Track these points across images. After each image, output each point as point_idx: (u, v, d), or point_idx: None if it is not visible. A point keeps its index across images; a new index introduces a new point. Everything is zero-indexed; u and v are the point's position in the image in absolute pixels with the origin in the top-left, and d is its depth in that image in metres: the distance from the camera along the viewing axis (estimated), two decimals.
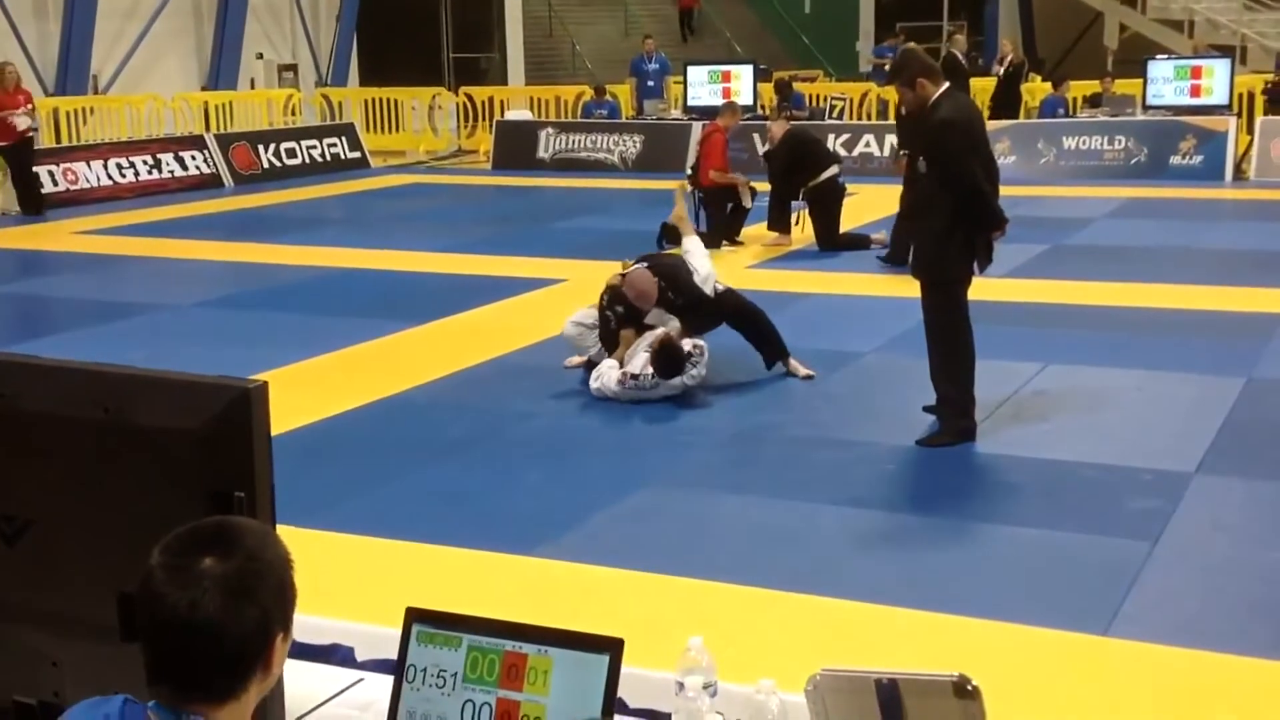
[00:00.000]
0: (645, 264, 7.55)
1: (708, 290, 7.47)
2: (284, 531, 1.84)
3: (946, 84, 6.39)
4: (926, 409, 6.60)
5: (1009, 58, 19.01)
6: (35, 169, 16.29)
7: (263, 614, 1.67)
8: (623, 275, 7.45)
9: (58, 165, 16.59)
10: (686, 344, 7.09)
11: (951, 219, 6.23)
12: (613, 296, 7.44)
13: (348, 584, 4.63)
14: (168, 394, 2.17)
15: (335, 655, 2.39)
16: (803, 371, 7.49)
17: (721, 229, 12.22)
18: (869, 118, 20.16)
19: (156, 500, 2.09)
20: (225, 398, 2.09)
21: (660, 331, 7.20)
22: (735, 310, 7.55)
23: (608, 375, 7.10)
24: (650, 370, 6.98)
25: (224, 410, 2.07)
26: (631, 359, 7.15)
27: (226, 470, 2.05)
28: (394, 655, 2.14)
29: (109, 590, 2.08)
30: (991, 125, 17.72)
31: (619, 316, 7.39)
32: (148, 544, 1.96)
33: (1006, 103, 18.54)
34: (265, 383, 2.10)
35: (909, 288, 10.05)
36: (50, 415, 2.20)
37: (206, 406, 2.09)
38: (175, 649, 1.64)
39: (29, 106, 15.34)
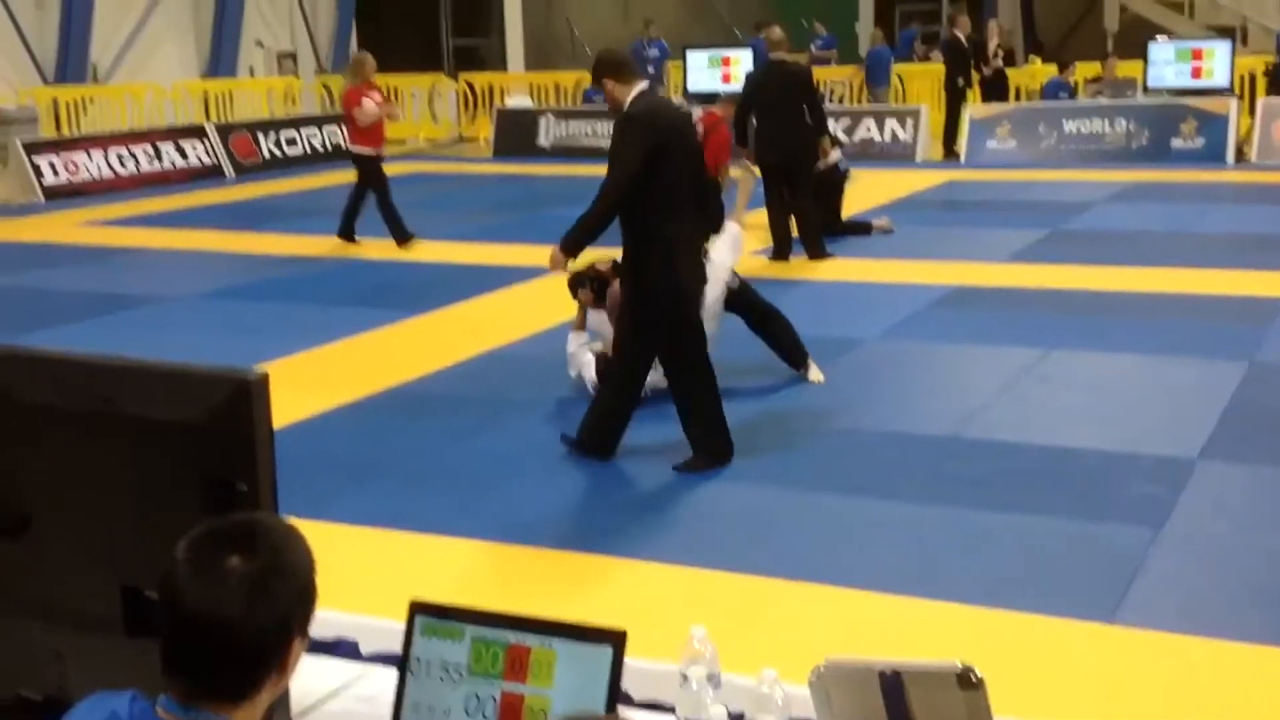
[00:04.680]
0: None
1: (716, 289, 7.13)
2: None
3: (642, 83, 5.94)
4: (566, 440, 6.18)
5: (998, 41, 18.92)
6: (35, 160, 16.27)
7: (283, 616, 1.66)
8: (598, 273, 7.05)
9: (58, 156, 16.57)
10: None
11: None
12: (582, 275, 7.16)
13: (350, 576, 4.61)
14: (167, 385, 2.16)
15: (340, 649, 2.38)
16: (814, 375, 7.28)
17: (718, 217, 12.13)
18: (867, 101, 20.12)
19: (159, 492, 2.09)
20: (225, 388, 2.08)
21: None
22: (747, 306, 7.27)
23: (585, 364, 6.97)
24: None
25: (224, 401, 2.06)
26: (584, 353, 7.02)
27: (228, 462, 2.05)
28: (398, 648, 2.14)
29: (113, 583, 2.08)
30: (991, 109, 17.84)
31: (590, 289, 7.11)
32: (150, 537, 1.96)
33: (999, 86, 18.55)
34: (265, 373, 2.09)
35: (911, 273, 10.09)
36: (50, 407, 2.20)
37: (207, 397, 2.08)
38: (194, 645, 1.64)
39: (376, 97, 11.96)
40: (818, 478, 5.83)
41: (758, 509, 5.54)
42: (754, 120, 11.03)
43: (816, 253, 10.82)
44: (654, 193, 5.68)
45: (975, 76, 18.17)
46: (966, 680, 1.70)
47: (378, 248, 11.91)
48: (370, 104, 11.73)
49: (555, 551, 5.09)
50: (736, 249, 7.37)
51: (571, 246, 5.88)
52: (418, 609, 2.13)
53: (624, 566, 4.93)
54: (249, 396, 2.05)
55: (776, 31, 11.96)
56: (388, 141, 12.46)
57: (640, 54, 21.12)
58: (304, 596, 1.70)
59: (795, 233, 10.92)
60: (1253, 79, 17.86)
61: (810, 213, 10.93)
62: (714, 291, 7.06)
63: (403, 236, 11.88)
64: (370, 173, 11.87)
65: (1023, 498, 5.56)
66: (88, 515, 2.17)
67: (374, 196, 11.87)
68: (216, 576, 1.63)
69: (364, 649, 2.38)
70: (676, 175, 5.74)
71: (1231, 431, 6.23)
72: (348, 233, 12.08)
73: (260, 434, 2.06)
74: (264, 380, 2.07)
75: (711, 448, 5.99)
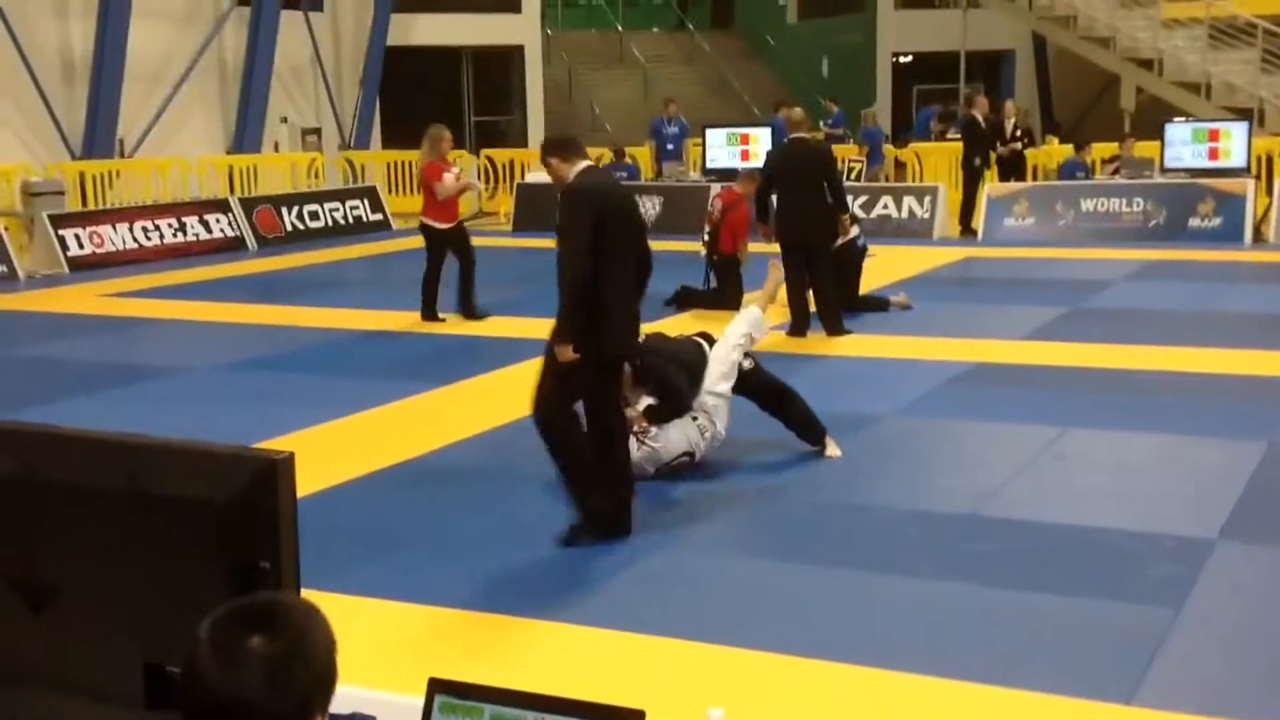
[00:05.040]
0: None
1: (727, 356, 7.22)
2: (304, 595, 1.86)
3: (586, 162, 6.12)
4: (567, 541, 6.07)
5: (1014, 121, 19.07)
6: (61, 232, 16.48)
7: (303, 699, 1.68)
8: None
9: (84, 228, 16.78)
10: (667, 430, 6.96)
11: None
12: None
13: (367, 649, 4.63)
14: (192, 464, 2.19)
15: None
16: (832, 450, 7.27)
17: (736, 294, 12.20)
18: (886, 178, 20.29)
19: (182, 569, 2.12)
20: (251, 468, 2.11)
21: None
22: (758, 387, 7.25)
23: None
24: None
25: (250, 481, 2.10)
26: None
27: (252, 540, 2.08)
28: None
29: (135, 659, 2.10)
30: (1009, 187, 17.96)
31: None
32: (173, 613, 1.98)
33: (1017, 165, 18.69)
34: (291, 453, 2.12)
35: (929, 350, 10.11)
36: (75, 484, 2.23)
37: (232, 477, 2.11)
38: None
39: (455, 170, 12.20)
40: (833, 554, 5.82)
41: (771, 585, 5.52)
42: (774, 198, 11.14)
43: (835, 329, 10.86)
44: (592, 263, 5.88)
45: (992, 156, 18.31)
46: None
47: (398, 319, 12.00)
48: (450, 178, 11.87)
49: (569, 625, 5.08)
50: (758, 329, 7.39)
51: (564, 335, 5.96)
52: (437, 686, 2.15)
53: (638, 642, 4.92)
54: (274, 476, 2.09)
55: (797, 112, 12.09)
56: (411, 215, 12.57)
57: (660, 131, 21.35)
58: (324, 678, 1.72)
59: (814, 309, 10.98)
60: (1269, 160, 17.94)
61: (829, 289, 10.98)
62: (719, 369, 7.06)
63: (430, 315, 11.95)
64: (439, 244, 11.99)
65: (1040, 577, 5.53)
66: (111, 591, 2.20)
67: (427, 264, 11.99)
68: (238, 658, 1.65)
69: None
70: (614, 247, 5.94)
71: (1251, 512, 6.20)
72: (470, 311, 12.02)
73: (285, 514, 2.10)
74: (290, 461, 2.11)
75: (605, 514, 6.05)
